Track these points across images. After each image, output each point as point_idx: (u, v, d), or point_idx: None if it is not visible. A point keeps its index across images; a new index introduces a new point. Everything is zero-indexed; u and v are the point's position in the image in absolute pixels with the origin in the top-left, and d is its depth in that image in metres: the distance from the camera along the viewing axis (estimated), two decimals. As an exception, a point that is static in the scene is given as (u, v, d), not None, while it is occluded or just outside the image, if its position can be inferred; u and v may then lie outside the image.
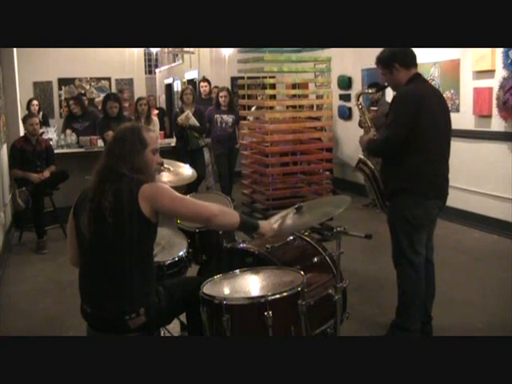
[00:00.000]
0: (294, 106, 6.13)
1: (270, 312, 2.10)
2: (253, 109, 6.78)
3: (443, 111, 3.07)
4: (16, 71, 6.57)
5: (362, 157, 3.28)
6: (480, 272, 4.43)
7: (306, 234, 2.98)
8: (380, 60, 3.10)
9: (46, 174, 5.61)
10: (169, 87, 14.06)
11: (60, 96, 9.89)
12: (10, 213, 6.00)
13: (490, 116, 5.43)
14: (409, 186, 2.98)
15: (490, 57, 5.28)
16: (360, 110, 3.37)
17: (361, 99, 3.42)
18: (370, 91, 4.31)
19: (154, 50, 13.64)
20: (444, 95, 5.84)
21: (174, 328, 3.10)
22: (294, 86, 6.44)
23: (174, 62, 13.54)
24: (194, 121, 6.52)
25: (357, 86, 7.57)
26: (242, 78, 5.96)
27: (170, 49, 11.24)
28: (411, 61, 3.04)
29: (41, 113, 8.08)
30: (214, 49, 9.68)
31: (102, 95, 8.02)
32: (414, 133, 2.91)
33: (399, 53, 3.01)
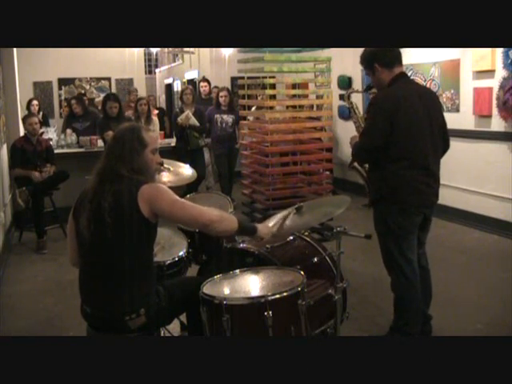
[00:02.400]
0: (294, 106, 6.13)
1: (270, 312, 2.10)
2: (253, 109, 6.78)
3: (429, 112, 2.92)
4: (16, 71, 6.57)
5: None
6: (480, 272, 4.43)
7: (306, 234, 2.98)
8: (362, 60, 3.02)
9: (47, 173, 5.60)
10: (169, 87, 14.06)
11: (60, 96, 9.89)
12: (10, 213, 6.00)
13: (490, 116, 5.43)
14: (389, 195, 2.91)
15: (490, 57, 5.28)
16: (352, 110, 3.30)
17: (351, 98, 3.37)
18: (358, 90, 4.27)
19: (154, 50, 13.64)
20: (444, 95, 5.89)
21: (174, 328, 3.10)
22: (294, 86, 6.44)
23: (174, 62, 13.54)
24: (194, 121, 6.52)
25: (357, 86, 7.56)
26: (242, 78, 5.96)
27: (170, 49, 11.24)
28: (393, 60, 2.92)
29: (41, 113, 8.09)
30: (213, 49, 9.68)
31: (102, 95, 8.02)
32: (392, 139, 2.81)
33: (379, 53, 2.90)
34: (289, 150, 5.85)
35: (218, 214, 2.24)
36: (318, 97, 6.53)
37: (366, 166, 3.18)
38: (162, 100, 14.65)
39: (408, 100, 2.86)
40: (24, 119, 5.87)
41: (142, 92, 10.21)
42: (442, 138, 3.02)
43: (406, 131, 2.83)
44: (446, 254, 4.74)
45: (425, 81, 6.15)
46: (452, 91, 5.89)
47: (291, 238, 2.91)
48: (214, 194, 3.78)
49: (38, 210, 5.56)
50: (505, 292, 3.91)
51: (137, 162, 2.20)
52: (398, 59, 2.96)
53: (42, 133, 6.52)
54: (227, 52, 9.53)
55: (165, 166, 2.98)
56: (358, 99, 6.35)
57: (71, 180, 5.73)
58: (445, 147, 3.09)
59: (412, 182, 2.88)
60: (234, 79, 9.41)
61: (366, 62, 2.99)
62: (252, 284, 2.36)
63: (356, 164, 3.24)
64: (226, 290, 2.31)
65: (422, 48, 5.90)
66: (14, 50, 6.52)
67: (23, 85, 7.65)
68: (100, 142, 6.52)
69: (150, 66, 17.44)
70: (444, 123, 3.06)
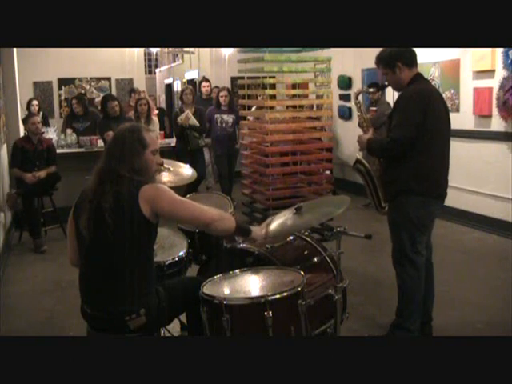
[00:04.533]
0: (294, 106, 6.12)
1: (270, 312, 2.10)
2: (253, 109, 6.78)
3: (445, 111, 3.07)
4: (16, 71, 6.57)
5: (359, 157, 3.27)
6: (480, 272, 4.43)
7: (306, 234, 2.98)
8: (381, 59, 3.07)
9: (42, 174, 5.58)
10: (169, 87, 14.06)
11: (60, 96, 9.88)
12: (10, 213, 6.00)
13: (490, 116, 5.43)
14: (416, 187, 2.97)
15: (490, 57, 5.28)
16: (358, 109, 3.34)
17: (360, 98, 3.40)
18: (370, 90, 4.30)
19: (154, 50, 13.66)
20: (444, 95, 5.87)
21: (173, 328, 3.10)
22: (294, 86, 6.44)
23: (174, 62, 13.55)
24: (193, 121, 6.53)
25: (357, 86, 7.57)
26: (242, 78, 5.96)
27: (170, 49, 11.25)
28: (413, 60, 3.03)
29: (41, 113, 8.08)
30: (214, 49, 9.68)
31: (102, 95, 8.01)
32: (422, 132, 2.90)
33: (402, 52, 2.99)
34: (289, 150, 5.85)
35: (218, 212, 2.26)
36: (318, 97, 6.52)
37: (369, 166, 3.21)
38: (161, 100, 14.66)
39: (433, 97, 2.99)
40: (26, 119, 5.87)
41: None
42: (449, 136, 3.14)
43: (435, 124, 2.94)
44: (446, 253, 4.75)
45: (425, 81, 6.15)
46: (452, 91, 5.89)
47: (291, 237, 2.91)
48: (214, 194, 3.77)
49: (30, 212, 5.54)
50: (505, 292, 3.91)
51: (137, 162, 2.20)
52: (416, 61, 3.06)
53: (43, 133, 6.52)
54: (227, 52, 9.53)
55: (165, 166, 2.98)
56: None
57: (71, 180, 5.73)
58: None
59: (435, 173, 3.01)
60: (234, 79, 9.40)
61: (387, 60, 3.04)
62: (252, 284, 2.36)
63: (359, 165, 3.26)
64: (226, 290, 2.31)
65: (421, 48, 5.89)
66: (14, 50, 6.52)
67: (23, 85, 7.65)
68: (100, 142, 6.52)
69: (150, 65, 17.45)
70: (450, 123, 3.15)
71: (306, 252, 2.85)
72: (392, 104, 4.96)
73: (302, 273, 2.34)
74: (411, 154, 2.94)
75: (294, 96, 6.33)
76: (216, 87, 7.98)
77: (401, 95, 3.05)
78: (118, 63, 9.94)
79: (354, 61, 7.54)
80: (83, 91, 9.89)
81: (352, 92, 7.44)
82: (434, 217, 3.12)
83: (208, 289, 2.27)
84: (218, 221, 2.21)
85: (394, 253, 3.14)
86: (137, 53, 10.27)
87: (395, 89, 3.19)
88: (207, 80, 8.19)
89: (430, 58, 6.06)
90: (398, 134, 2.95)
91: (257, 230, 2.42)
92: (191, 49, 10.40)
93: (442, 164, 3.05)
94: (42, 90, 9.73)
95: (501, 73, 5.25)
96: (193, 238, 3.02)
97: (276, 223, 2.53)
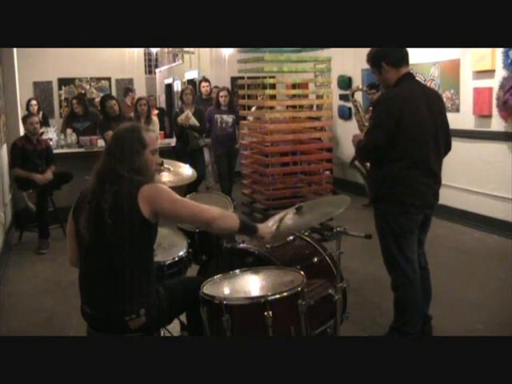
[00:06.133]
0: (294, 106, 6.13)
1: (270, 312, 2.10)
2: (253, 109, 6.78)
3: (434, 114, 2.92)
4: (16, 71, 6.57)
5: None
6: (480, 272, 4.43)
7: (306, 234, 2.98)
8: (369, 58, 3.00)
9: (50, 174, 5.62)
10: (169, 87, 14.06)
11: (60, 96, 9.88)
12: (10, 213, 6.00)
13: (490, 116, 5.43)
14: (388, 194, 2.91)
15: (490, 57, 5.28)
16: (355, 107, 3.31)
17: (356, 96, 3.36)
18: (364, 88, 4.28)
19: (154, 50, 13.65)
20: (444, 95, 5.88)
21: (174, 328, 3.10)
22: (294, 86, 6.44)
23: (174, 62, 13.55)
24: (194, 121, 6.53)
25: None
26: (242, 78, 5.96)
27: (170, 49, 11.24)
28: (400, 60, 2.91)
29: (40, 113, 8.09)
30: (214, 49, 9.68)
31: (101, 95, 8.02)
32: (395, 140, 2.81)
33: (387, 52, 2.88)
34: (289, 150, 5.86)
35: (219, 211, 2.23)
36: (318, 97, 6.53)
37: (368, 164, 3.19)
38: (161, 100, 14.66)
39: (414, 101, 2.87)
40: (25, 119, 5.87)
41: (142, 92, 10.20)
42: (444, 139, 3.02)
43: (410, 132, 2.83)
44: (446, 253, 4.74)
45: (425, 81, 6.14)
46: (452, 91, 5.89)
47: (291, 237, 2.91)
48: (214, 194, 3.77)
49: (43, 211, 5.56)
50: (505, 292, 3.91)
51: (137, 162, 2.19)
52: (405, 59, 2.95)
53: (42, 133, 6.52)
54: (227, 52, 9.53)
55: (165, 166, 2.98)
56: (358, 99, 6.38)
57: (71, 180, 5.74)
58: (446, 149, 3.08)
59: (412, 182, 2.88)
60: (234, 79, 9.40)
61: (373, 60, 2.97)
62: (252, 284, 2.36)
63: (357, 162, 3.24)
64: (226, 290, 2.31)
65: (421, 48, 5.90)
66: (14, 50, 6.52)
67: (23, 85, 7.64)
68: (100, 142, 6.54)
69: (150, 65, 17.44)
70: (447, 125, 3.06)
71: (306, 252, 2.85)
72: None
73: (302, 273, 2.34)
74: (386, 160, 2.86)
75: (293, 96, 6.33)
76: (216, 87, 7.98)
77: (377, 100, 2.97)
78: (118, 63, 9.94)
79: (354, 61, 7.53)
80: (83, 91, 9.89)
81: (349, 91, 7.44)
82: (419, 224, 3.00)
83: (208, 289, 2.27)
84: (219, 219, 2.18)
85: (384, 261, 3.09)
86: (137, 53, 10.27)
87: (385, 88, 3.07)
88: (207, 80, 8.19)
89: (430, 58, 6.06)
90: (367, 140, 2.89)
91: (264, 227, 2.38)
92: (191, 49, 10.40)
93: (422, 171, 2.89)
94: (41, 89, 9.72)
95: (501, 73, 5.25)
96: (193, 237, 3.02)
97: (279, 222, 2.52)
